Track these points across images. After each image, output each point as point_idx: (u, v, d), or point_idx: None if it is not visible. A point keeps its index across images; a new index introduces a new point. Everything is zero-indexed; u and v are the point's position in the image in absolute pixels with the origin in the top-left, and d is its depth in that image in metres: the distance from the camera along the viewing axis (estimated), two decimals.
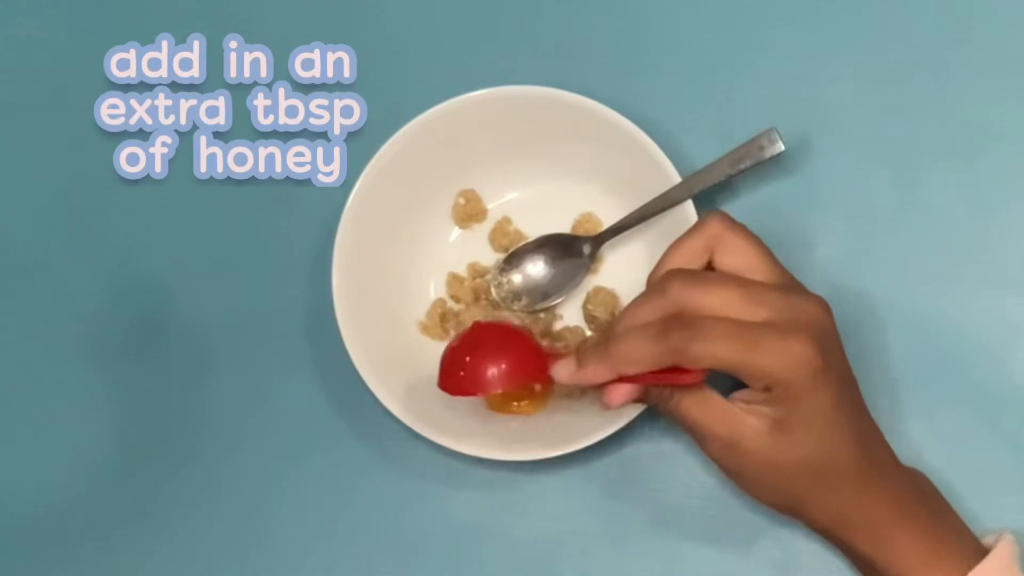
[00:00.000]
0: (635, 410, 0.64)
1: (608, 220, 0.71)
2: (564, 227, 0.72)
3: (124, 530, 0.71)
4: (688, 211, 0.66)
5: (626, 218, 0.68)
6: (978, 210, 0.70)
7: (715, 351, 0.55)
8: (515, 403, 0.68)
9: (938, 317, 0.68)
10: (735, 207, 0.71)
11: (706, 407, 0.59)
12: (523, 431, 0.68)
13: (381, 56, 0.76)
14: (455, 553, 0.69)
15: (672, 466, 0.68)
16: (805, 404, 0.57)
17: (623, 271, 0.71)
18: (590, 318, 0.70)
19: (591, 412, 0.67)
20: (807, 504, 0.60)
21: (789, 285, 0.60)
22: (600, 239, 0.70)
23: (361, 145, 0.69)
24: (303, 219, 0.73)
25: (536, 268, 0.71)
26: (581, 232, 0.71)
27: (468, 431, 0.66)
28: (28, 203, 0.76)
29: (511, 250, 0.71)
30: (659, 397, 0.60)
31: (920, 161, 0.71)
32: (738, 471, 0.60)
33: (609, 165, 0.70)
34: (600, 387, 0.60)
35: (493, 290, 0.70)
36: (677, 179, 0.66)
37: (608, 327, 0.61)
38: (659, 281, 0.59)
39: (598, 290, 0.70)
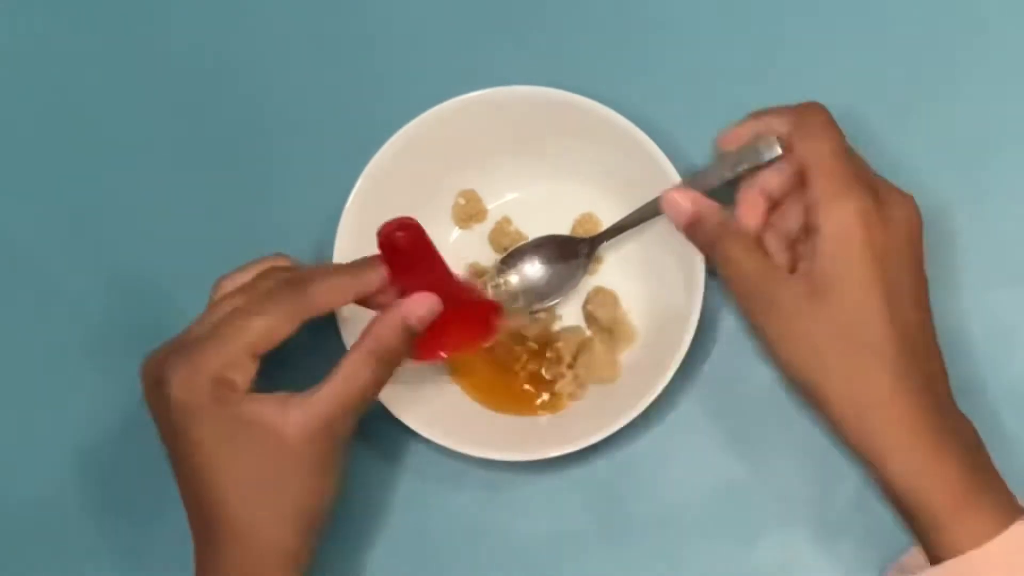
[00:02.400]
0: (635, 410, 0.64)
1: (608, 220, 0.71)
2: (564, 227, 0.72)
3: (124, 530, 0.71)
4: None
5: (624, 219, 0.68)
6: (979, 210, 0.70)
7: (819, 150, 0.60)
8: (537, 402, 0.68)
9: (938, 317, 0.68)
10: (733, 204, 0.70)
11: (753, 257, 0.60)
12: (523, 431, 0.68)
13: (381, 56, 0.76)
14: (455, 553, 0.69)
15: (672, 466, 0.68)
16: (854, 267, 0.58)
17: (623, 271, 0.71)
18: (590, 318, 0.70)
19: (591, 412, 0.67)
20: (834, 381, 0.58)
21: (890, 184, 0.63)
22: (597, 240, 0.70)
23: (361, 145, 0.69)
24: (303, 219, 0.73)
25: (533, 269, 0.71)
26: (581, 232, 0.71)
27: (468, 431, 0.66)
28: (28, 203, 0.76)
29: (509, 250, 0.71)
30: (712, 232, 0.62)
31: (920, 161, 0.71)
32: (773, 334, 0.60)
33: (609, 165, 0.70)
34: None
35: (490, 290, 0.70)
36: (677, 179, 0.66)
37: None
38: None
39: (598, 290, 0.70)
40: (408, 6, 0.77)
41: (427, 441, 0.65)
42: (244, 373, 0.58)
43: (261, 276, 0.62)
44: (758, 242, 0.62)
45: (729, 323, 0.69)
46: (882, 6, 0.73)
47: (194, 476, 0.59)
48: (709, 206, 0.63)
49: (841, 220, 0.58)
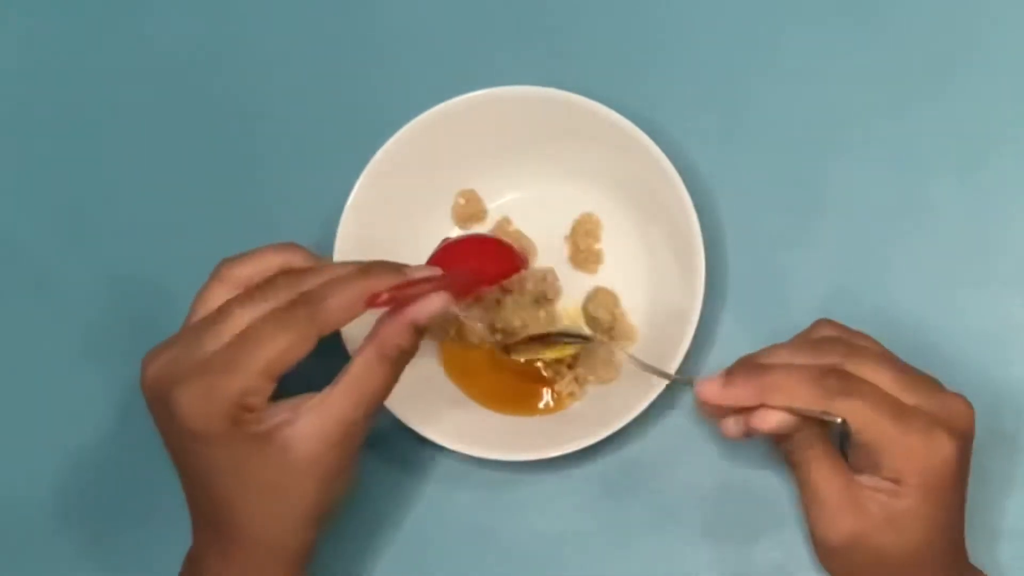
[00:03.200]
0: (635, 410, 0.64)
1: (608, 220, 0.71)
2: (564, 227, 0.72)
3: (124, 531, 0.71)
4: (688, 213, 0.66)
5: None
6: (979, 211, 0.70)
7: (864, 413, 0.56)
8: (537, 402, 0.68)
9: (939, 317, 0.68)
10: (735, 204, 0.71)
11: (833, 472, 0.58)
12: (523, 431, 0.68)
13: (381, 56, 0.76)
14: (455, 553, 0.69)
15: (672, 466, 0.68)
16: (930, 502, 0.57)
17: (623, 271, 0.71)
18: (590, 318, 0.70)
19: (591, 412, 0.67)
20: None
21: (939, 386, 0.59)
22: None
23: (361, 145, 0.69)
24: (303, 219, 0.73)
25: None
26: (581, 232, 0.71)
27: (468, 431, 0.66)
28: (27, 202, 0.76)
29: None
30: (796, 442, 0.59)
31: (922, 162, 0.71)
32: (836, 550, 0.59)
33: (609, 165, 0.70)
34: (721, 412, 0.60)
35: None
36: (677, 179, 0.66)
37: (748, 358, 0.60)
38: (815, 341, 0.60)
39: (598, 290, 0.70)
40: (408, 6, 0.77)
41: (427, 441, 0.65)
42: (262, 395, 0.57)
43: (272, 283, 0.59)
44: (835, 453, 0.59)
45: (729, 323, 0.69)
46: (883, 7, 0.73)
47: (204, 485, 0.59)
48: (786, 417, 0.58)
49: (925, 470, 0.57)
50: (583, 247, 0.71)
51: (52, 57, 0.78)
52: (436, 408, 0.67)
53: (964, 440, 0.58)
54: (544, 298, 0.70)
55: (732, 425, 0.60)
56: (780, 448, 0.60)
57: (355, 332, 0.62)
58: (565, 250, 0.72)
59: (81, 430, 0.72)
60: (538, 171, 0.72)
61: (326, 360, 0.60)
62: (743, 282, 0.70)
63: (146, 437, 0.72)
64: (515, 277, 0.69)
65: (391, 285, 0.58)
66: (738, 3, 0.74)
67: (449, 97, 0.69)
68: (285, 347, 0.56)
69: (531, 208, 0.72)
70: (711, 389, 0.59)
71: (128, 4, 0.79)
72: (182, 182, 0.76)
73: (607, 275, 0.71)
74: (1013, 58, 0.72)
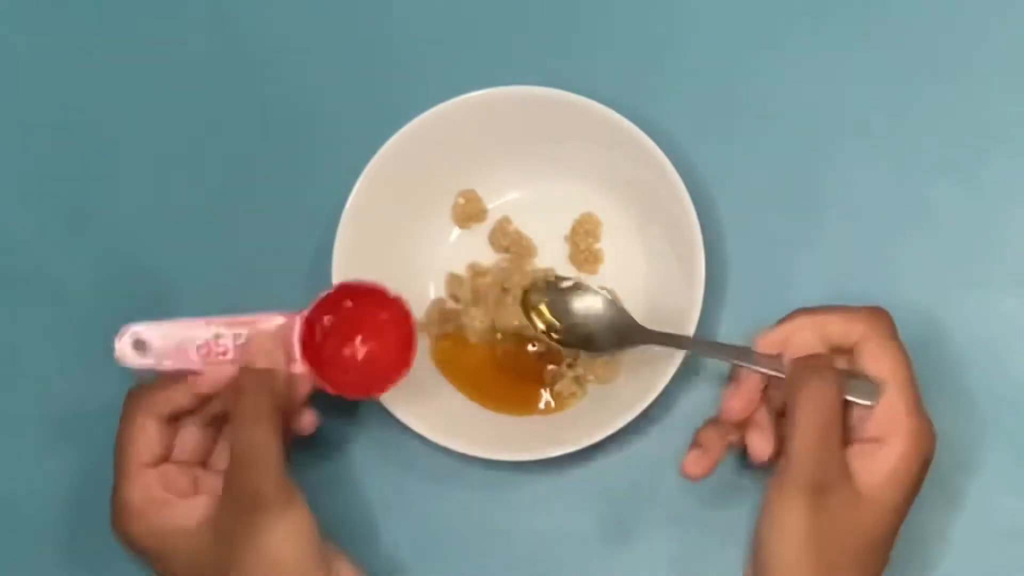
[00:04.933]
0: (635, 410, 0.64)
1: (608, 220, 0.71)
2: (564, 227, 0.72)
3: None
4: (688, 213, 0.66)
5: (718, 345, 0.65)
6: (980, 210, 0.70)
7: (900, 357, 0.59)
8: (537, 402, 0.68)
9: (939, 317, 0.68)
10: (735, 204, 0.71)
11: (837, 431, 0.58)
12: (523, 431, 0.68)
13: (381, 56, 0.76)
14: (455, 553, 0.69)
15: (672, 466, 0.68)
16: (901, 483, 0.57)
17: (623, 271, 0.71)
18: None
19: (591, 412, 0.67)
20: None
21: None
22: (670, 341, 0.65)
23: (361, 145, 0.69)
24: (303, 219, 0.73)
25: (586, 314, 0.68)
26: (580, 232, 0.71)
27: (468, 431, 0.66)
28: (27, 201, 0.76)
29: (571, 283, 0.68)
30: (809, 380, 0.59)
31: (922, 162, 0.71)
32: (801, 517, 0.57)
33: (609, 165, 0.70)
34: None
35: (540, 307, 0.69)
36: (677, 179, 0.66)
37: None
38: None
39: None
40: (408, 7, 0.77)
41: (427, 441, 0.65)
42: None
43: None
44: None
45: (729, 323, 0.69)
46: (883, 7, 0.73)
47: None
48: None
49: (914, 447, 0.58)
50: (583, 247, 0.71)
51: (52, 58, 0.78)
52: (436, 408, 0.67)
53: (931, 458, 0.59)
54: None
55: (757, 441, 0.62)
56: (788, 395, 0.59)
57: None
58: (565, 250, 0.72)
59: (80, 430, 0.72)
60: (538, 171, 0.72)
61: None
62: (743, 282, 0.70)
63: None
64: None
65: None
66: (738, 3, 0.74)
67: (449, 97, 0.69)
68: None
69: (531, 208, 0.72)
70: (767, 337, 0.61)
71: (128, 4, 0.79)
72: (182, 182, 0.76)
73: (607, 275, 0.71)
74: (1013, 58, 0.72)
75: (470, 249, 0.72)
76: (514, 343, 0.70)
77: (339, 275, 0.67)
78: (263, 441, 0.59)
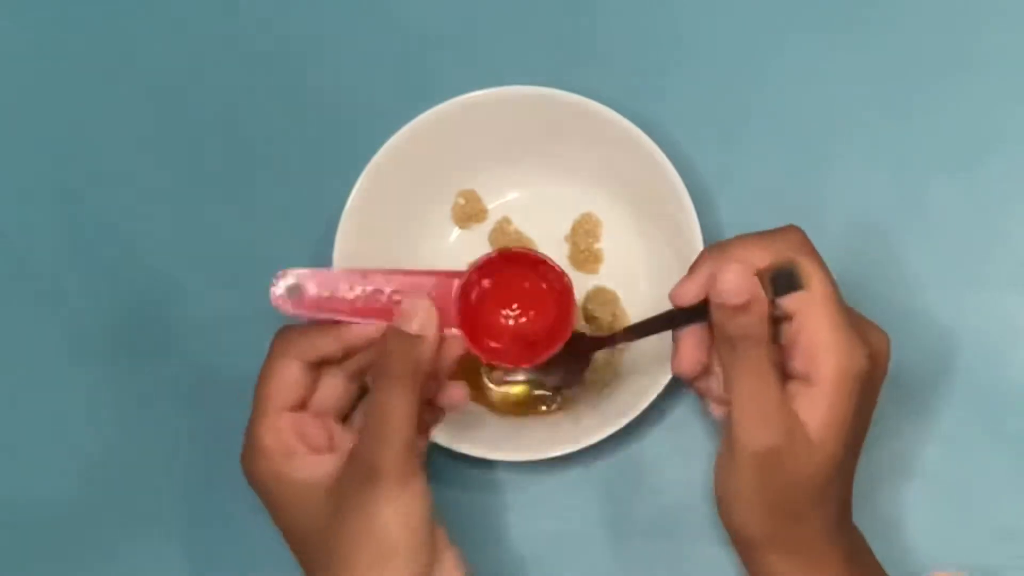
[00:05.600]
0: (635, 410, 0.64)
1: (608, 220, 0.71)
2: (564, 227, 0.72)
3: (123, 531, 0.71)
4: (688, 213, 0.66)
5: (646, 322, 0.63)
6: (979, 210, 0.70)
7: (817, 278, 0.56)
8: (539, 405, 0.68)
9: (939, 317, 0.68)
10: (735, 204, 0.71)
11: (770, 377, 0.55)
12: (523, 431, 0.68)
13: (381, 56, 0.76)
14: None
15: (672, 466, 0.68)
16: (836, 415, 0.55)
17: (623, 271, 0.71)
18: (590, 318, 0.70)
19: (591, 412, 0.67)
20: (781, 548, 0.58)
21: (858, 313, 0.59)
22: (605, 342, 0.65)
23: (361, 145, 0.69)
24: (304, 219, 0.73)
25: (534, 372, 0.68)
26: (580, 232, 0.71)
27: (468, 431, 0.66)
28: (27, 203, 0.76)
29: None
30: (738, 339, 0.56)
31: (922, 162, 0.71)
32: (755, 459, 0.56)
33: (609, 165, 0.70)
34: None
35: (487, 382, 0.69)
36: (677, 179, 0.66)
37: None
38: (775, 232, 0.58)
39: (598, 290, 0.70)
40: (408, 6, 0.77)
41: (427, 441, 0.65)
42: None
43: None
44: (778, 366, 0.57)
45: None
46: (883, 7, 0.73)
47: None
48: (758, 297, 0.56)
49: (844, 369, 0.55)
50: (583, 247, 0.71)
51: (52, 60, 0.78)
52: None
53: (876, 368, 0.56)
54: None
55: (713, 407, 0.61)
56: (724, 349, 0.57)
57: None
58: (565, 250, 0.72)
59: (80, 430, 0.72)
60: (538, 171, 0.72)
61: None
62: None
63: (146, 437, 0.72)
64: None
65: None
66: (738, 4, 0.74)
67: (449, 97, 0.69)
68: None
69: (531, 208, 0.72)
70: (682, 286, 0.58)
71: (130, 6, 0.79)
72: (182, 182, 0.76)
73: (607, 275, 0.71)
74: (1013, 58, 0.72)
75: (470, 249, 0.72)
76: None
77: None
78: (397, 410, 0.56)
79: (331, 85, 0.76)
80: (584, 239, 0.71)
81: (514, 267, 0.62)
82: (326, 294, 0.61)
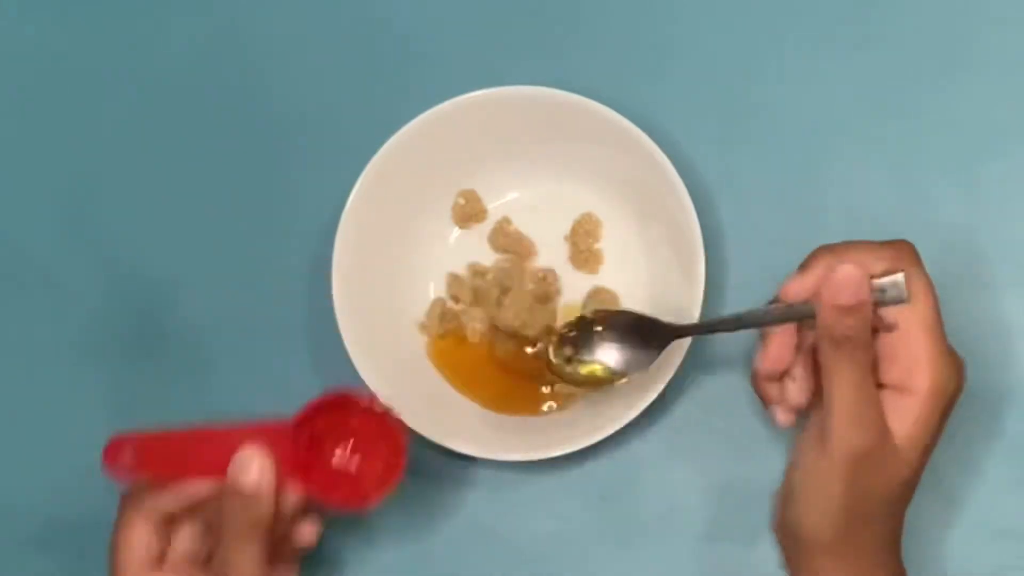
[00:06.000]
0: (635, 410, 0.64)
1: (608, 220, 0.71)
2: (564, 227, 0.72)
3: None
4: (688, 213, 0.66)
5: (723, 321, 0.62)
6: (979, 210, 0.70)
7: (926, 293, 0.57)
8: (537, 402, 0.68)
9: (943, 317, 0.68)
10: (735, 204, 0.71)
11: (874, 386, 0.56)
12: (523, 431, 0.68)
13: (381, 56, 0.76)
14: (455, 553, 0.69)
15: (672, 466, 0.68)
16: (925, 433, 0.56)
17: (623, 271, 0.71)
18: None
19: (591, 412, 0.67)
20: (843, 560, 0.58)
21: None
22: (680, 332, 0.64)
23: (361, 145, 0.69)
24: (303, 219, 0.73)
25: (607, 354, 0.65)
26: (580, 232, 0.71)
27: (468, 431, 0.66)
28: (27, 203, 0.76)
29: (583, 319, 0.65)
30: (843, 340, 0.56)
31: (922, 162, 0.71)
32: (846, 461, 0.56)
33: (609, 165, 0.70)
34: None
35: (552, 355, 0.66)
36: (677, 179, 0.66)
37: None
38: (889, 243, 0.59)
39: (598, 290, 0.70)
40: (408, 6, 0.77)
41: (428, 441, 0.65)
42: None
43: None
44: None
45: None
46: (882, 7, 0.73)
47: None
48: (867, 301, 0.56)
49: (939, 386, 0.57)
50: (583, 247, 0.71)
51: (53, 54, 0.78)
52: (436, 408, 0.67)
53: (959, 391, 0.58)
54: (544, 298, 0.70)
55: (781, 413, 0.61)
56: (827, 350, 0.57)
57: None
58: (565, 250, 0.72)
59: (80, 430, 0.72)
60: (538, 171, 0.72)
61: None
62: (743, 282, 0.70)
63: None
64: None
65: None
66: (739, 4, 0.74)
67: (449, 97, 0.69)
68: None
69: (531, 208, 0.72)
70: (795, 282, 0.59)
71: (129, 4, 0.79)
72: (182, 182, 0.76)
73: (607, 275, 0.71)
74: (1013, 58, 0.72)
75: (470, 249, 0.72)
76: (514, 343, 0.70)
77: (339, 275, 0.67)
78: (241, 566, 0.59)
79: (332, 85, 0.76)
80: (584, 239, 0.71)
81: (343, 409, 0.62)
82: (160, 456, 0.62)
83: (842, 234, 0.70)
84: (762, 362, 0.60)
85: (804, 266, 0.60)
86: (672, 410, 0.69)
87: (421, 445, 0.66)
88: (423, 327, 0.71)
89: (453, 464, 0.68)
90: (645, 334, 0.63)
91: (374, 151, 0.68)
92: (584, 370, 0.65)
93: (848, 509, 0.56)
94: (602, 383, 0.64)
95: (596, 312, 0.65)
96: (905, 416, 0.56)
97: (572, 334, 0.65)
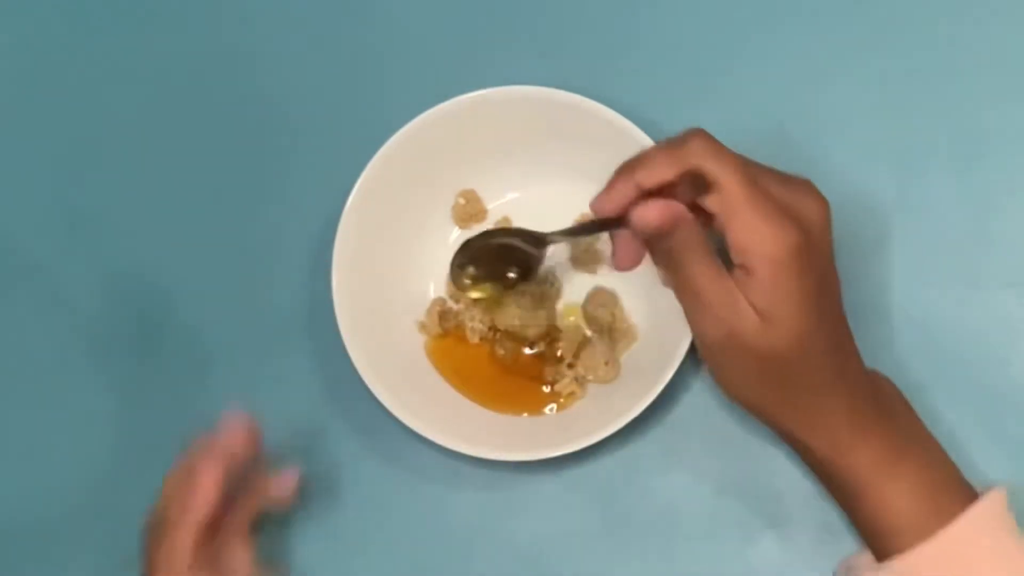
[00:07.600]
0: (635, 410, 0.64)
1: None
2: (563, 227, 0.71)
3: (123, 531, 0.71)
4: None
5: (573, 228, 0.66)
6: (979, 210, 0.70)
7: (726, 178, 0.57)
8: (537, 403, 0.69)
9: (940, 317, 0.68)
10: None
11: (710, 270, 0.57)
12: (523, 431, 0.68)
13: (381, 56, 0.76)
14: (455, 553, 0.69)
15: (672, 466, 0.68)
16: (783, 292, 0.57)
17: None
18: (590, 318, 0.70)
19: (591, 412, 0.67)
20: (783, 407, 0.59)
21: (793, 179, 0.60)
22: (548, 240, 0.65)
23: (361, 145, 0.69)
24: (303, 219, 0.73)
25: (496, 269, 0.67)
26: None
27: (468, 431, 0.66)
28: (27, 203, 0.76)
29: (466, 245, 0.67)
30: (676, 242, 0.58)
31: (921, 160, 0.71)
32: (714, 349, 0.59)
33: (609, 165, 0.69)
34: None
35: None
36: None
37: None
38: (680, 140, 0.59)
39: (598, 290, 0.70)
40: (408, 6, 0.77)
41: (427, 441, 0.65)
42: None
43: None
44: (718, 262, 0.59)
45: None
46: (880, 7, 0.73)
47: None
48: (683, 218, 0.58)
49: (770, 251, 0.56)
50: (583, 247, 0.71)
51: (52, 54, 0.79)
52: (436, 408, 0.67)
53: (811, 235, 0.58)
54: (544, 298, 0.70)
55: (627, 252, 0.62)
56: (662, 261, 0.60)
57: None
58: (565, 250, 0.72)
59: (80, 430, 0.72)
60: (538, 171, 0.72)
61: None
62: None
63: (146, 437, 0.72)
64: None
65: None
66: (739, 3, 0.74)
67: (449, 97, 0.69)
68: None
69: (531, 208, 0.72)
70: (599, 201, 0.60)
71: (129, 4, 0.79)
72: (182, 182, 0.76)
73: (607, 275, 0.71)
74: (1011, 58, 0.72)
75: None
76: (514, 343, 0.70)
77: (339, 275, 0.67)
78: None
79: (332, 85, 0.76)
80: (584, 239, 0.71)
81: None
82: None
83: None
84: (617, 262, 0.62)
85: (608, 186, 0.60)
86: (672, 410, 0.69)
87: (420, 444, 0.66)
88: (423, 326, 0.71)
89: (452, 464, 0.68)
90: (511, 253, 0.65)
91: (374, 151, 0.69)
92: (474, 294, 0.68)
93: (765, 383, 0.58)
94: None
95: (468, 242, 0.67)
96: (755, 291, 0.57)
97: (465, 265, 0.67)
